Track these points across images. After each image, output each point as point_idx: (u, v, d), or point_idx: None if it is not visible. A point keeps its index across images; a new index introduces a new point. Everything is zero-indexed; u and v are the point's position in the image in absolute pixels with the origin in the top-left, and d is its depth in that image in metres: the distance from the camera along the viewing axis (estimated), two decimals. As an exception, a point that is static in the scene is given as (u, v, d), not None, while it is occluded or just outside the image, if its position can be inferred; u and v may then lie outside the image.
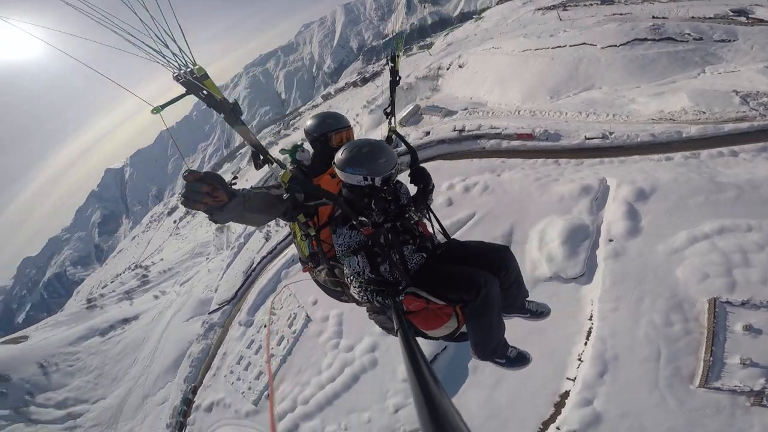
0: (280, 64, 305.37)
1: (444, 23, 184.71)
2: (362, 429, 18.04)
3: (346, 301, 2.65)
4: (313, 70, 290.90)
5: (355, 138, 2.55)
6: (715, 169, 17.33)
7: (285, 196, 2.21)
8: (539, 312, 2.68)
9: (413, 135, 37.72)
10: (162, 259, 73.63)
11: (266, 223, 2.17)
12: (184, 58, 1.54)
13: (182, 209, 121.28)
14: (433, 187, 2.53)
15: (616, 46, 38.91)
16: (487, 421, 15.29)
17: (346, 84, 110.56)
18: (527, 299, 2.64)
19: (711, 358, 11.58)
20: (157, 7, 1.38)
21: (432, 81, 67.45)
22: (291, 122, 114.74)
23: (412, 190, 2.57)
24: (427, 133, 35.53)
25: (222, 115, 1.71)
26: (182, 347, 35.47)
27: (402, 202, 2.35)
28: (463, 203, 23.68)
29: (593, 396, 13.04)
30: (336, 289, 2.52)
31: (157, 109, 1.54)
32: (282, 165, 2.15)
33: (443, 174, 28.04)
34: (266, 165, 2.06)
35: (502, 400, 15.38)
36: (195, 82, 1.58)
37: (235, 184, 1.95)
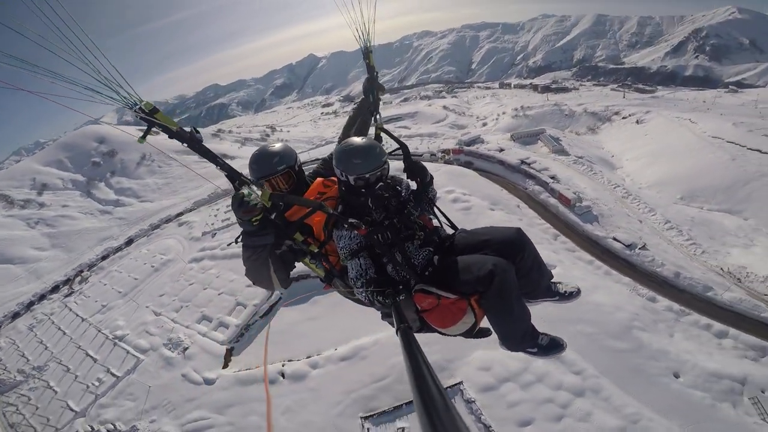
0: (492, 38, 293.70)
1: (704, 82, 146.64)
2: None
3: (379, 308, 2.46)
4: (517, 59, 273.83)
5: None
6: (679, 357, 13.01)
7: (272, 215, 2.16)
8: (568, 293, 2.41)
9: (493, 146, 35.76)
10: (288, 131, 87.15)
11: (281, 280, 2.22)
12: (132, 98, 1.66)
13: (334, 107, 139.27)
14: (432, 178, 2.46)
15: None
16: (311, 328, 18.57)
17: (530, 84, 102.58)
18: (552, 281, 2.44)
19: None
20: (91, 57, 1.45)
21: (597, 121, 58.55)
22: (454, 90, 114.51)
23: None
24: (501, 150, 33.42)
25: (184, 144, 1.83)
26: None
27: (403, 197, 2.26)
28: (439, 205, 23.17)
29: (341, 357, 15.67)
30: (356, 297, 2.35)
31: (141, 140, 1.77)
32: (258, 185, 2.14)
33: (462, 182, 27.32)
34: (242, 187, 2.04)
35: (344, 324, 17.16)
36: (148, 117, 1.71)
37: None
